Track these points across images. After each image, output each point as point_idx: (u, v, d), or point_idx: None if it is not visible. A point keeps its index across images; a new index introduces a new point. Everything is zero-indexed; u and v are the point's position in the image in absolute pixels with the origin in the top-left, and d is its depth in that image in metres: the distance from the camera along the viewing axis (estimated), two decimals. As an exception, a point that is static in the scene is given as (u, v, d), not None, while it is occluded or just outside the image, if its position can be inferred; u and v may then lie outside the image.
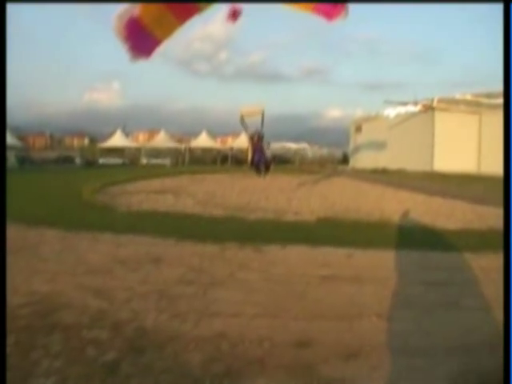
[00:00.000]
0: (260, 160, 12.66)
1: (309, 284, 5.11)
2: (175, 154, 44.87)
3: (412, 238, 7.55)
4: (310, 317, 4.15)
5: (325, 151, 53.03)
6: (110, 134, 46.15)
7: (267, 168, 13.11)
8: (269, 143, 17.73)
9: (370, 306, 4.38)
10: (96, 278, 5.24)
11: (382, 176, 25.22)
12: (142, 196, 14.32)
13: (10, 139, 34.69)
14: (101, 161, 41.00)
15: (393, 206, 12.14)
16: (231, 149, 43.72)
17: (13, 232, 7.58)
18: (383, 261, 6.10)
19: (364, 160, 39.06)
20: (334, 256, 6.38)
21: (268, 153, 14.09)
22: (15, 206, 10.94)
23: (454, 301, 4.43)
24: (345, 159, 47.69)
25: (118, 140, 45.36)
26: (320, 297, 4.67)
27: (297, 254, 6.50)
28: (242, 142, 41.05)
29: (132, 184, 19.25)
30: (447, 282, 5.17)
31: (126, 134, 48.89)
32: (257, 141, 12.46)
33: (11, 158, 33.06)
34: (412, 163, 30.14)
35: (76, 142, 59.65)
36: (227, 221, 9.53)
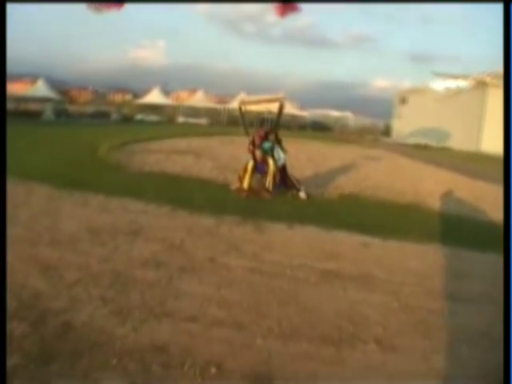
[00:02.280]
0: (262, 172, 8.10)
1: (303, 282, 4.20)
2: (213, 114, 44.20)
3: (446, 228, 6.35)
4: (286, 334, 3.23)
5: (367, 121, 50.71)
6: (150, 91, 45.93)
7: (288, 186, 8.34)
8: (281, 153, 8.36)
9: (372, 326, 3.40)
10: (54, 251, 4.55)
11: (423, 152, 23.25)
12: (161, 155, 13.65)
13: (48, 92, 35.03)
14: (137, 117, 40.87)
15: (430, 186, 10.79)
16: (270, 112, 42.60)
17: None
18: (405, 257, 5.04)
19: (406, 134, 36.75)
20: (346, 244, 5.38)
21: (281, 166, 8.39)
22: (21, 157, 10.57)
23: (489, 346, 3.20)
24: (387, 131, 45.56)
25: (156, 97, 45.12)
26: (311, 304, 3.75)
27: (302, 238, 5.55)
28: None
29: (157, 142, 18.64)
30: (483, 300, 4.08)
31: (167, 92, 48.55)
32: (258, 143, 8.09)
33: (47, 111, 33.39)
34: (457, 141, 28.24)
35: (119, 98, 60.07)
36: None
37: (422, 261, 4.90)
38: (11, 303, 3.38)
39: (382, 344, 3.11)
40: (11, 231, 4.89)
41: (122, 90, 62.78)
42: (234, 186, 8.38)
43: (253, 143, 8.18)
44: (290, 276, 4.29)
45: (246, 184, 7.89)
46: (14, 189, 7.17)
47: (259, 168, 8.05)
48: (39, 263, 4.21)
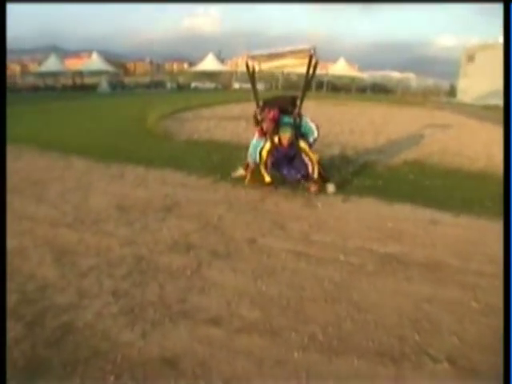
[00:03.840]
0: (283, 167, 5.69)
1: (358, 271, 3.48)
2: (270, 79, 43.05)
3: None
4: (333, 346, 2.58)
5: (430, 82, 47.39)
6: (204, 59, 45.50)
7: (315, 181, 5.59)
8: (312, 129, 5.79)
9: (444, 336, 2.62)
10: (74, 233, 4.12)
11: (493, 113, 20.72)
12: (212, 122, 13.11)
13: (103, 65, 35.57)
14: (192, 85, 40.66)
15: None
16: (327, 75, 40.92)
17: (42, 162, 6.93)
18: (482, 238, 4.12)
19: (474, 94, 33.73)
20: (411, 222, 4.54)
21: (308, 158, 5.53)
22: (64, 131, 10.44)
23: None
24: (452, 92, 42.29)
25: (211, 64, 44.59)
26: (367, 301, 3.05)
27: (359, 213, 4.78)
28: (339, 68, 37.88)
29: (210, 109, 18.13)
30: None
31: (222, 59, 47.83)
32: (272, 121, 5.50)
33: (103, 84, 33.94)
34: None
35: (175, 67, 60.28)
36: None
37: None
38: (12, 297, 2.95)
39: (456, 363, 2.33)
40: (36, 211, 4.56)
41: (178, 59, 63.04)
42: (236, 174, 6.24)
43: (259, 125, 5.70)
44: (343, 262, 3.56)
45: (267, 178, 5.53)
46: (51, 164, 6.95)
47: (278, 155, 5.46)
48: (55, 248, 3.78)
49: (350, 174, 6.48)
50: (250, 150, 5.80)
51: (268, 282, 3.20)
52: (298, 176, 5.56)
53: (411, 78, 45.08)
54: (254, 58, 6.49)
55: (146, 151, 8.14)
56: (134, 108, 18.34)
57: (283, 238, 4.03)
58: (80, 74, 35.99)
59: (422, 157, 8.15)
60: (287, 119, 5.57)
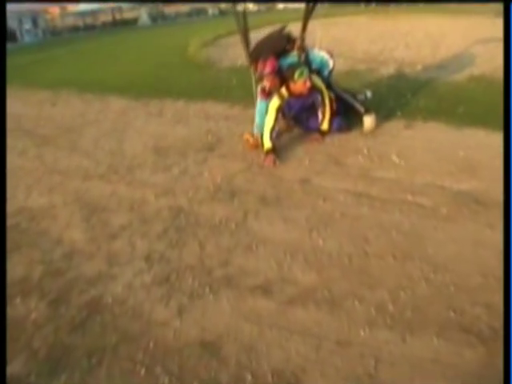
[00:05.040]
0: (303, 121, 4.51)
1: (430, 216, 2.90)
2: None
3: None
4: (407, 318, 1.98)
5: None
6: (246, -19, 42.73)
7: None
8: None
9: None
10: (107, 185, 3.74)
11: None
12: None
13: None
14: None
15: None
16: None
17: (79, 105, 6.83)
18: None
19: None
20: (485, 149, 3.76)
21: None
22: (103, 68, 10.02)
23: None
24: None
25: (252, -15, 41.91)
26: (442, 257, 2.44)
27: (425, 141, 4.08)
28: None
29: (254, 32, 16.84)
30: None
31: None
32: (271, 73, 4.09)
33: (142, 16, 32.95)
34: None
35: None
36: (342, 75, 6.96)
37: None
38: (36, 269, 2.60)
39: None
40: (68, 162, 4.22)
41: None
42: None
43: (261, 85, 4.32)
44: (412, 205, 2.93)
45: (268, 143, 4.02)
46: (87, 107, 6.58)
47: (292, 105, 4.23)
48: (86, 204, 3.42)
49: (410, 94, 5.55)
50: (257, 119, 4.40)
51: (325, 235, 2.65)
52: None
53: None
54: None
55: (186, 83, 7.55)
56: (174, 38, 17.49)
57: (340, 175, 3.43)
58: (119, 9, 35.13)
59: (489, 71, 6.87)
60: (290, 59, 4.24)
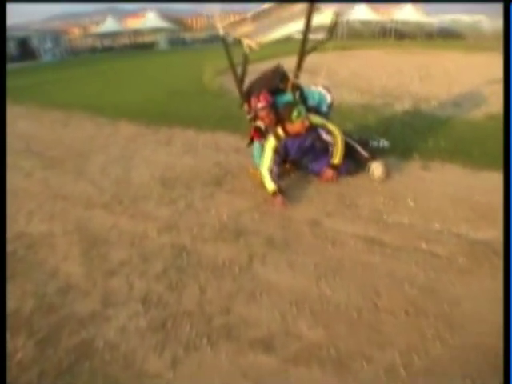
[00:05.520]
0: (306, 162, 4.24)
1: (434, 271, 2.69)
2: (331, 27, 40.34)
3: None
4: None
5: None
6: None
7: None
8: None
9: None
10: (109, 216, 3.67)
11: None
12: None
13: (161, 22, 35.07)
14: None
15: None
16: (393, 21, 37.24)
17: (90, 129, 6.84)
18: None
19: None
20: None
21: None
22: (118, 93, 10.08)
23: None
24: None
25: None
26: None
27: (441, 184, 3.98)
28: (405, 13, 34.38)
29: (269, 62, 17.01)
30: None
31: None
32: (266, 108, 3.88)
33: (161, 41, 33.56)
34: None
35: (232, 19, 58.57)
36: (358, 109, 6.92)
37: None
38: (29, 302, 2.50)
39: None
40: (73, 188, 4.15)
41: (237, 11, 61.11)
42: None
43: (254, 125, 4.17)
44: (427, 254, 2.84)
45: (271, 185, 3.76)
46: (98, 131, 6.57)
47: (290, 148, 3.97)
48: (86, 235, 3.32)
49: (426, 132, 5.46)
50: (255, 153, 4.36)
51: (333, 284, 2.52)
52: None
53: (482, 20, 40.23)
54: (228, 25, 4.19)
55: (198, 111, 7.53)
56: (190, 64, 17.70)
57: (352, 218, 3.30)
58: (138, 32, 35.84)
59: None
60: (286, 98, 4.03)
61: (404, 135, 5.24)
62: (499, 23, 42.79)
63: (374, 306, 2.32)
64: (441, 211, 3.36)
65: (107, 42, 34.98)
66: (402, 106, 7.20)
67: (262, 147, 4.06)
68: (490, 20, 43.08)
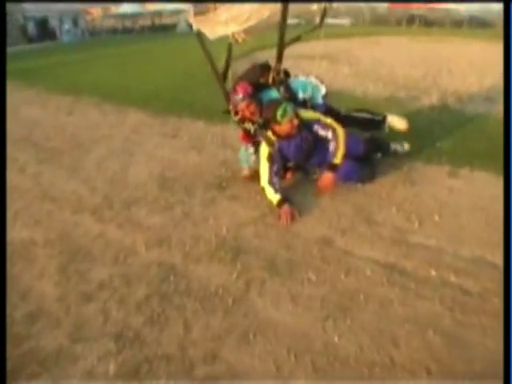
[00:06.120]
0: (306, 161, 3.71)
1: (464, 315, 2.25)
2: (356, 13, 38.96)
3: None
4: None
5: None
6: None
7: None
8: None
9: None
10: (96, 224, 3.31)
11: None
12: (289, 62, 11.60)
13: (182, 4, 34.51)
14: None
15: None
16: (419, 8, 35.92)
17: (95, 117, 6.54)
18: None
19: None
20: None
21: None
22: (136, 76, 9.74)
23: None
24: None
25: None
26: None
27: (471, 196, 3.50)
28: None
29: (291, 46, 16.40)
30: None
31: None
32: (244, 96, 3.45)
33: (181, 23, 33.05)
34: None
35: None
36: (382, 102, 6.41)
37: None
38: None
39: None
40: (64, 187, 3.81)
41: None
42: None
43: (241, 117, 3.62)
44: (455, 288, 2.43)
45: (275, 197, 3.32)
46: (103, 119, 6.23)
47: (286, 152, 3.51)
48: (68, 247, 3.02)
49: (455, 131, 4.95)
50: (241, 158, 3.94)
51: (343, 327, 2.12)
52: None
53: None
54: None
55: (210, 99, 7.08)
56: (210, 47, 17.18)
57: (370, 238, 2.87)
58: (159, 14, 35.37)
59: None
60: (272, 93, 3.58)
61: (431, 134, 4.76)
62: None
63: (390, 361, 1.92)
64: (472, 232, 2.91)
65: (128, 24, 34.60)
66: (429, 99, 6.66)
67: (246, 150, 3.75)
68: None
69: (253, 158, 3.79)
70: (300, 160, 3.62)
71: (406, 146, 4.10)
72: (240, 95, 3.41)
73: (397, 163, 4.02)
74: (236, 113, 3.57)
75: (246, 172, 3.91)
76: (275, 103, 3.31)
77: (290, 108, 3.26)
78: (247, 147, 3.81)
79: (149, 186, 3.89)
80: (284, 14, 3.45)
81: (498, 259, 2.60)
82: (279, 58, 3.67)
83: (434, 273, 2.51)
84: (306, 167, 3.76)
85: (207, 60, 3.62)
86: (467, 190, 3.54)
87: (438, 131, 4.93)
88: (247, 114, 3.48)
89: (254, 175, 3.68)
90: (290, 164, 3.67)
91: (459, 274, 2.48)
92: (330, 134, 3.42)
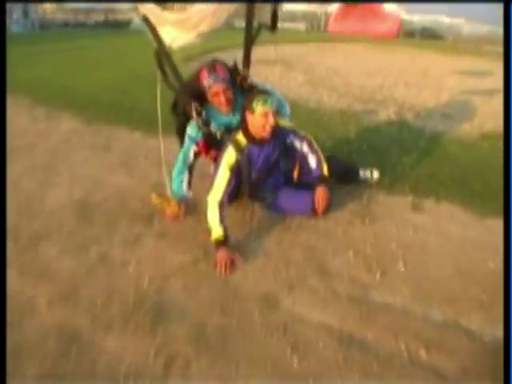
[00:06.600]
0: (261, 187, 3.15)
1: None
2: (311, 18, 38.90)
3: None
4: None
5: (485, 29, 41.89)
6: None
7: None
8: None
9: None
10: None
11: None
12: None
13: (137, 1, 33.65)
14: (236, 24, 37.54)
15: None
16: None
17: (25, 121, 5.76)
18: None
19: None
20: None
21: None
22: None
23: None
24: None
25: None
26: None
27: (439, 235, 3.11)
28: (387, 9, 33.64)
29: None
30: None
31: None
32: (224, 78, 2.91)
33: (135, 20, 32.08)
34: None
35: None
36: (337, 116, 5.99)
37: None
38: None
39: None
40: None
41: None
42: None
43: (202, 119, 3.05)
44: (426, 369, 1.97)
45: (217, 230, 2.71)
46: (32, 125, 5.55)
47: (255, 161, 2.95)
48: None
49: (416, 154, 4.59)
50: (173, 184, 3.18)
51: None
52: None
53: (462, 23, 40.06)
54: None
55: (152, 106, 6.42)
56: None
57: (323, 296, 2.37)
58: (112, 10, 34.15)
59: (500, 126, 5.84)
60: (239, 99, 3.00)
61: (391, 155, 4.38)
62: (476, 27, 42.60)
63: None
64: (441, 285, 2.49)
65: (81, 18, 33.15)
66: (387, 113, 6.34)
67: (184, 157, 3.09)
68: (468, 24, 42.82)
69: (185, 187, 3.14)
70: (260, 177, 3.02)
71: (376, 174, 3.67)
72: (220, 75, 2.85)
73: (354, 191, 3.57)
74: (200, 104, 2.98)
75: (172, 208, 3.13)
76: (261, 92, 2.77)
77: (271, 101, 2.71)
78: (183, 169, 3.15)
79: (66, 215, 3.26)
80: (249, 16, 2.98)
81: (474, 324, 2.16)
82: (247, 60, 3.18)
83: (400, 346, 2.02)
84: (261, 189, 3.14)
85: (157, 45, 2.98)
86: (432, 228, 3.14)
87: (398, 152, 4.57)
88: (222, 99, 2.90)
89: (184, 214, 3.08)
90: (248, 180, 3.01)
91: (430, 348, 2.02)
92: (305, 147, 3.00)
